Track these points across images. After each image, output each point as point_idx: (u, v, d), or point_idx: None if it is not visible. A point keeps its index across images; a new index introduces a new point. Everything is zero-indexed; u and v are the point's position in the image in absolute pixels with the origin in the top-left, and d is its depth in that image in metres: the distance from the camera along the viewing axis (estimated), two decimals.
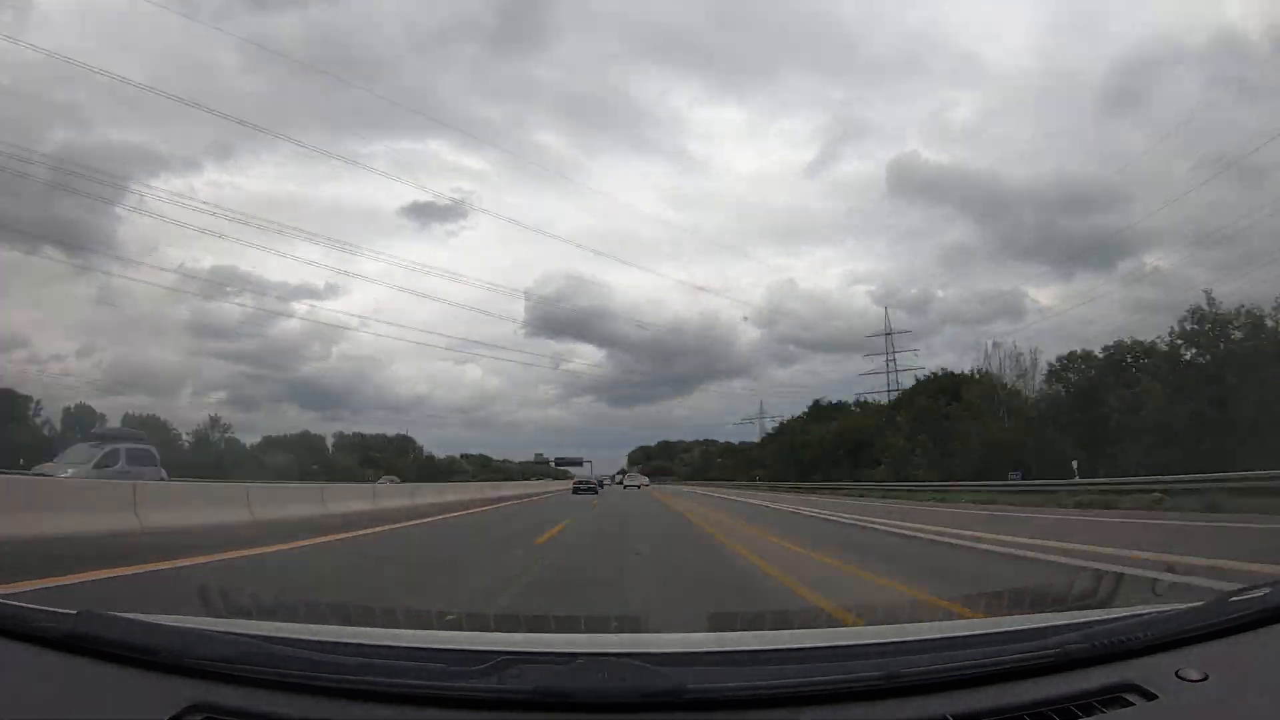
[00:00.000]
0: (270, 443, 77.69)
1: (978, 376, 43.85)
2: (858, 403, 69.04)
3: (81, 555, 6.31)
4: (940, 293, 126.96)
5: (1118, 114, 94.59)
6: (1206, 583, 4.77)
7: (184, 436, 71.22)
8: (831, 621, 2.17)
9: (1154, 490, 18.05)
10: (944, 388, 46.85)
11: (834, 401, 76.29)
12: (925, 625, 1.92)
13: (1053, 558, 7.43)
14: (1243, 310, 28.00)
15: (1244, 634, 1.45)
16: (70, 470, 16.89)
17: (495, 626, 2.21)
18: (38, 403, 59.86)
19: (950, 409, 41.64)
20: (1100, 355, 35.78)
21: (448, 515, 16.59)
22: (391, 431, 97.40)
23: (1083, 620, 1.58)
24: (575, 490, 39.58)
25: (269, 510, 12.88)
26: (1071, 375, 37.21)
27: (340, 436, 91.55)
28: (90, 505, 9.12)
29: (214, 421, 77.01)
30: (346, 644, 1.53)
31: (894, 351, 66.13)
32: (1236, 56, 67.19)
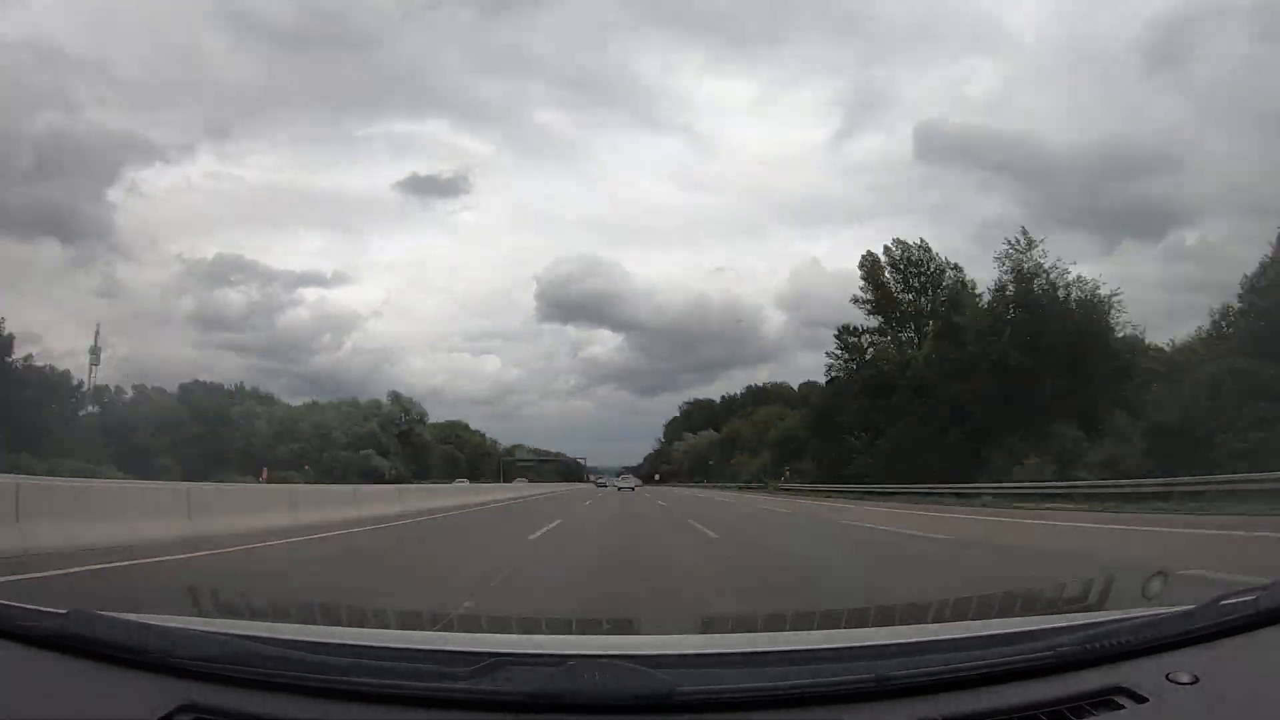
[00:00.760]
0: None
1: None
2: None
3: None
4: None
5: (1160, 74, 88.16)
6: (1197, 587, 4.80)
7: None
8: (824, 624, 2.17)
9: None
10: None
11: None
12: (916, 628, 1.92)
13: None
14: None
15: (1234, 637, 1.46)
16: None
17: (487, 627, 2.21)
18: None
19: None
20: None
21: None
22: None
23: (1074, 623, 1.59)
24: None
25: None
26: None
27: None
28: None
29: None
30: (337, 645, 1.52)
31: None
32: None
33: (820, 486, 44.18)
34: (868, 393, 44.10)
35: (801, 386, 74.22)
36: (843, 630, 2.05)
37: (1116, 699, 1.28)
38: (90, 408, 58.27)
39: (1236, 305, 27.07)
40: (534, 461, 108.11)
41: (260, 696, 1.27)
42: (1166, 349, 32.28)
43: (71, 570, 6.20)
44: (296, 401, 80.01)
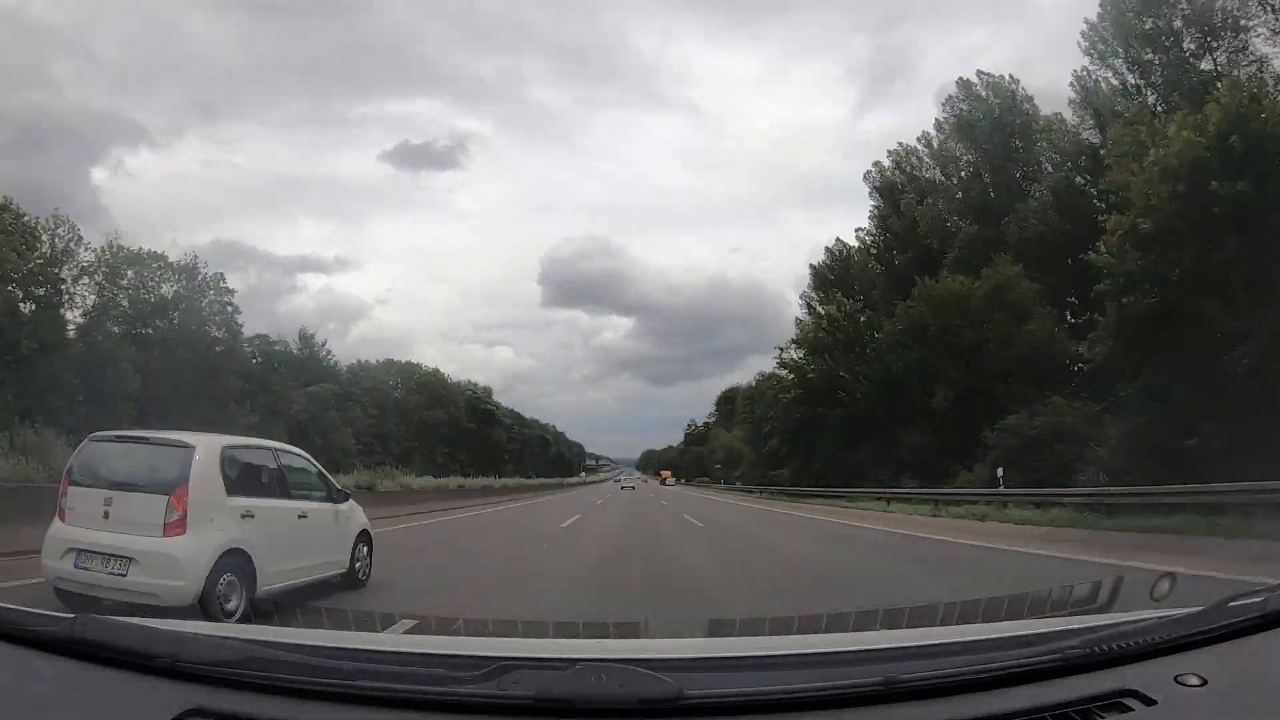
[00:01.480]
0: None
1: None
2: None
3: None
4: None
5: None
6: (1206, 587, 4.77)
7: None
8: (831, 627, 2.16)
9: None
10: None
11: None
12: (924, 631, 1.91)
13: None
14: None
15: (1243, 639, 1.45)
16: None
17: (493, 631, 2.20)
18: None
19: None
20: None
21: None
22: None
23: (1082, 625, 1.58)
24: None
25: None
26: None
27: None
28: None
29: None
30: (344, 649, 1.53)
31: None
32: None
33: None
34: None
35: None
36: (850, 633, 2.05)
37: (1125, 701, 1.27)
38: None
39: None
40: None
41: (268, 700, 1.27)
42: None
43: None
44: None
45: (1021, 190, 31.85)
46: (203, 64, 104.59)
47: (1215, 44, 24.44)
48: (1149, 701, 1.26)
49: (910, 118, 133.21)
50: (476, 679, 1.26)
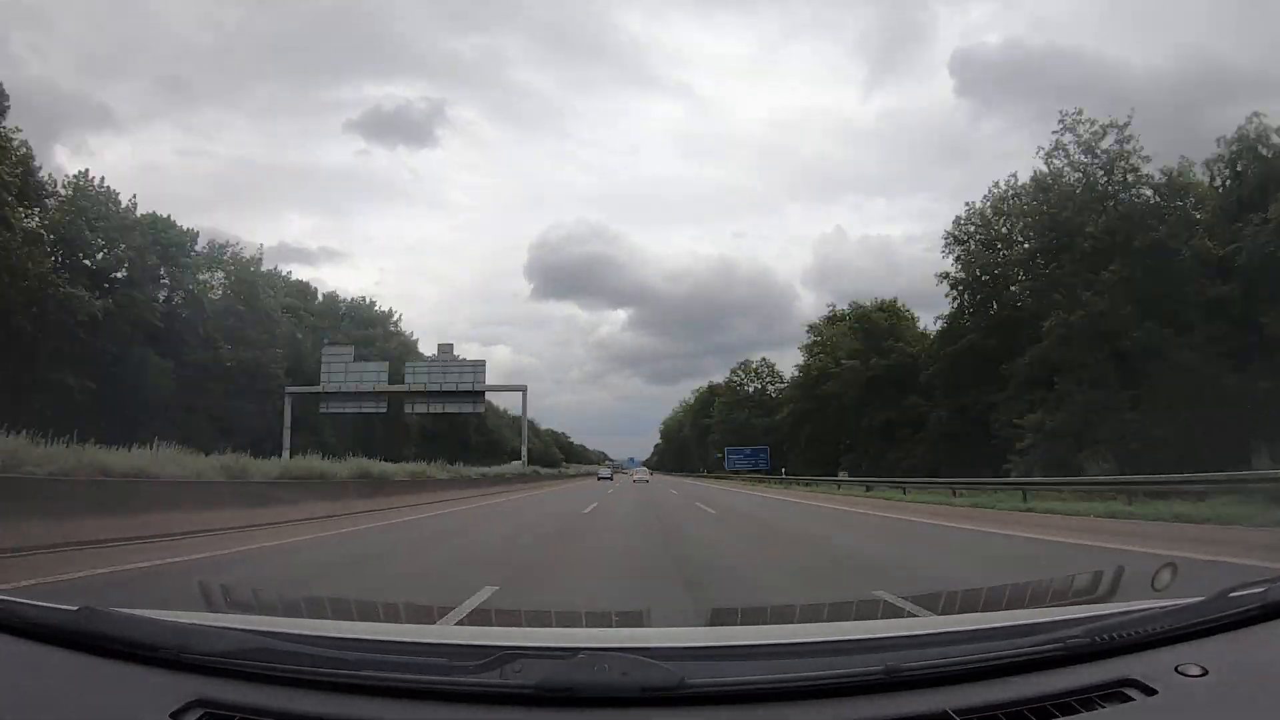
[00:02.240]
0: None
1: None
2: None
3: None
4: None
5: None
6: (1207, 577, 4.79)
7: None
8: (833, 616, 2.17)
9: None
10: None
11: None
12: (926, 620, 1.92)
13: None
14: None
15: (1244, 629, 1.46)
16: None
17: (496, 621, 2.21)
18: None
19: None
20: None
21: None
22: None
23: (1083, 615, 1.59)
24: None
25: None
26: None
27: None
28: None
29: None
30: (348, 639, 1.53)
31: None
32: None
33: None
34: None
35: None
36: (852, 622, 2.05)
37: (1125, 691, 1.28)
38: None
39: None
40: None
41: (272, 691, 1.28)
42: None
43: None
44: None
45: None
46: (170, 44, 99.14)
47: None
48: (1149, 691, 1.27)
49: (920, 100, 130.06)
50: (479, 668, 1.27)
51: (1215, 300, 25.93)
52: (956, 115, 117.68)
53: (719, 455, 71.62)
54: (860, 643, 1.53)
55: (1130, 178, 30.57)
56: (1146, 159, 30.17)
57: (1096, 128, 30.83)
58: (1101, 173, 30.97)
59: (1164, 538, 9.16)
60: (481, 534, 12.27)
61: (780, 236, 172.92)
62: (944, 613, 2.04)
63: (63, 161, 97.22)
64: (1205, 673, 1.29)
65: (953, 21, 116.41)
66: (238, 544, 9.17)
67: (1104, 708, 1.25)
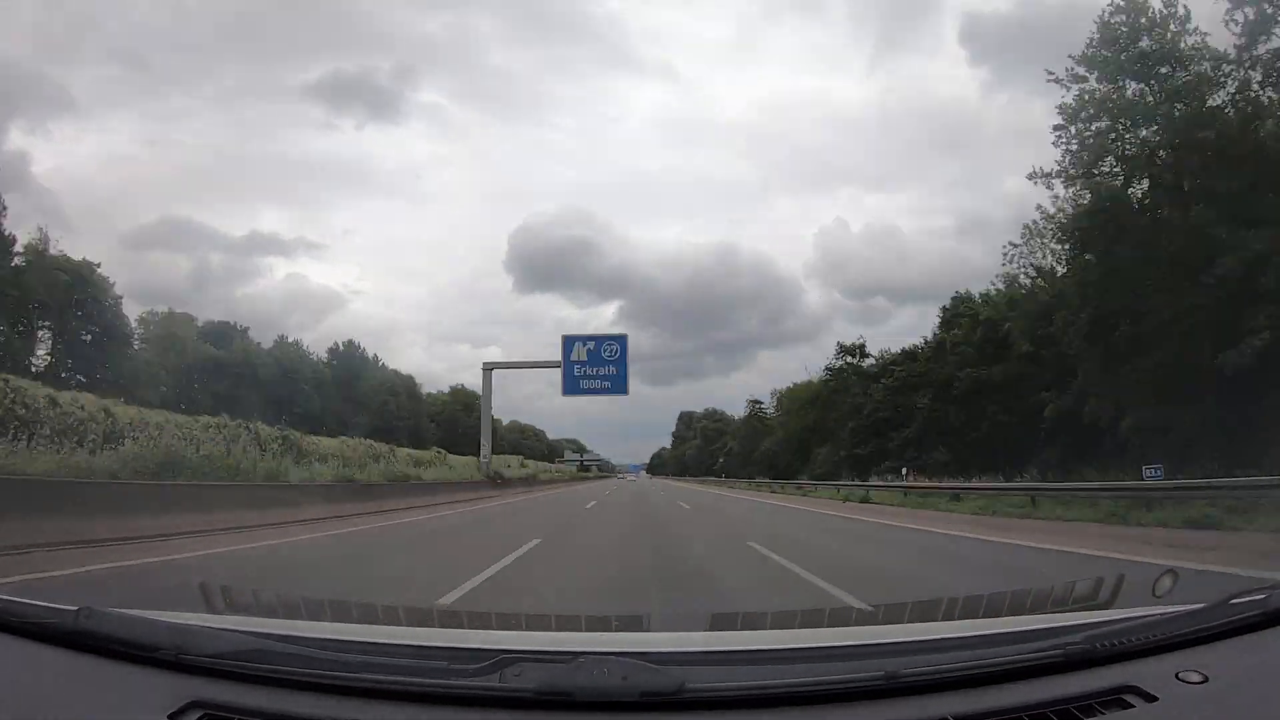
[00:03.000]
0: None
1: None
2: None
3: None
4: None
5: None
6: (1208, 584, 4.78)
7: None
8: (833, 621, 2.17)
9: None
10: None
11: None
12: (926, 626, 1.91)
13: None
14: None
15: (1245, 636, 1.45)
16: None
17: (496, 624, 2.21)
18: None
19: None
20: None
21: None
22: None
23: (1084, 621, 1.58)
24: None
25: None
26: None
27: None
28: None
29: None
30: (347, 641, 1.53)
31: None
32: None
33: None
34: None
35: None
36: (852, 628, 2.05)
37: (1126, 698, 1.28)
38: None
39: None
40: None
41: (270, 693, 1.28)
42: None
43: None
44: None
45: None
46: (128, 24, 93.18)
47: None
48: (1150, 698, 1.26)
49: (928, 80, 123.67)
50: (479, 672, 1.27)
51: None
52: (968, 90, 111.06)
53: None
54: (860, 648, 1.53)
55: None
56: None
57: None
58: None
59: None
60: None
61: (777, 227, 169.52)
62: (944, 619, 2.04)
63: (20, 144, 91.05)
64: (1206, 680, 1.29)
65: None
66: None
67: (1105, 714, 1.25)
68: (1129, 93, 23.50)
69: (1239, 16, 20.50)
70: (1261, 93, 21.49)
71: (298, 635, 1.53)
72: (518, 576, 6.81)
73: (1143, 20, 22.98)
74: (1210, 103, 22.22)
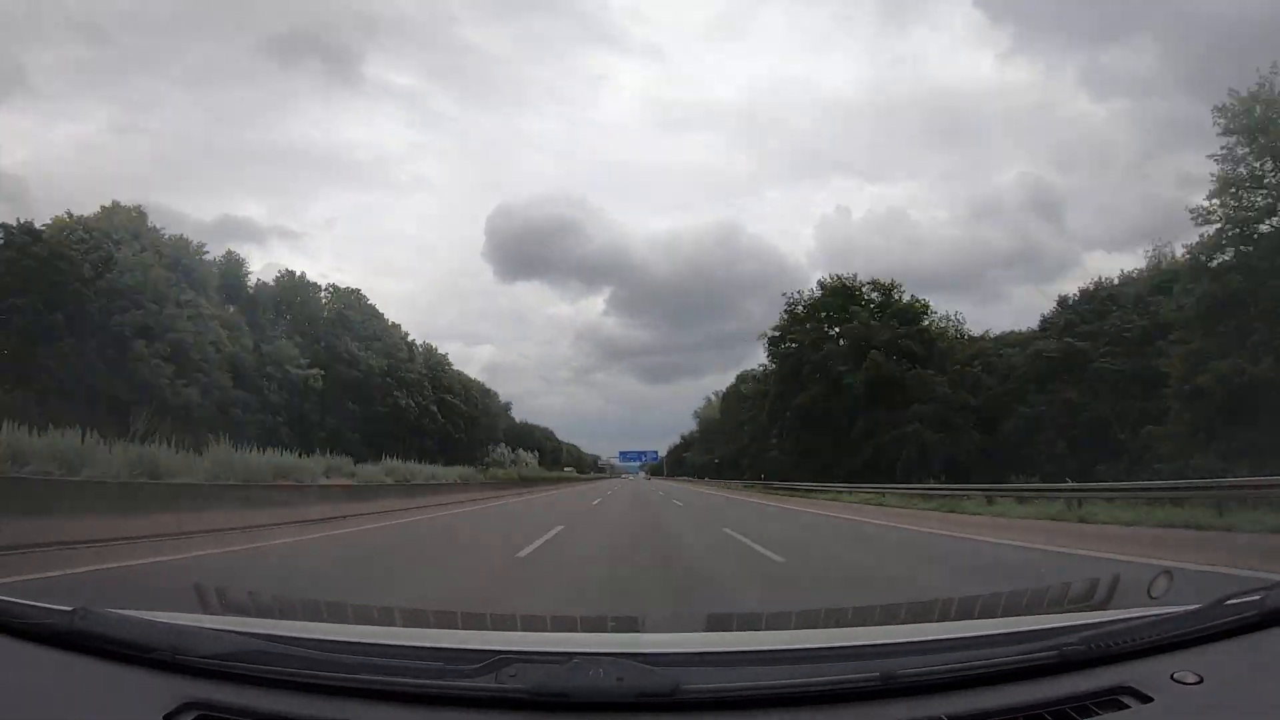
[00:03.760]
0: None
1: None
2: None
3: None
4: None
5: None
6: (1204, 584, 4.78)
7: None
8: (828, 622, 2.17)
9: None
10: None
11: None
12: (921, 626, 1.92)
13: None
14: None
15: (1240, 637, 1.45)
16: None
17: (492, 625, 2.21)
18: None
19: None
20: None
21: None
22: None
23: (1079, 622, 1.58)
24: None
25: None
26: None
27: None
28: None
29: None
30: (343, 642, 1.53)
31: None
32: None
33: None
34: None
35: None
36: (847, 628, 2.05)
37: (1122, 698, 1.28)
38: None
39: None
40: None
41: (266, 694, 1.27)
42: None
43: None
44: None
45: None
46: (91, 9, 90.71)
47: None
48: (1145, 699, 1.27)
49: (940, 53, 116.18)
50: (474, 672, 1.27)
51: None
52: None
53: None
54: (856, 649, 1.53)
55: None
56: None
57: None
58: None
59: None
60: None
61: (780, 214, 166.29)
62: (940, 619, 2.04)
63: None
64: (1201, 680, 1.29)
65: None
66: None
67: (1100, 715, 1.25)
68: None
69: None
70: None
71: (294, 636, 1.53)
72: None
73: None
74: None
